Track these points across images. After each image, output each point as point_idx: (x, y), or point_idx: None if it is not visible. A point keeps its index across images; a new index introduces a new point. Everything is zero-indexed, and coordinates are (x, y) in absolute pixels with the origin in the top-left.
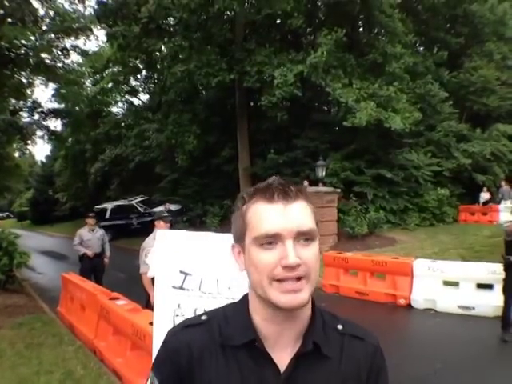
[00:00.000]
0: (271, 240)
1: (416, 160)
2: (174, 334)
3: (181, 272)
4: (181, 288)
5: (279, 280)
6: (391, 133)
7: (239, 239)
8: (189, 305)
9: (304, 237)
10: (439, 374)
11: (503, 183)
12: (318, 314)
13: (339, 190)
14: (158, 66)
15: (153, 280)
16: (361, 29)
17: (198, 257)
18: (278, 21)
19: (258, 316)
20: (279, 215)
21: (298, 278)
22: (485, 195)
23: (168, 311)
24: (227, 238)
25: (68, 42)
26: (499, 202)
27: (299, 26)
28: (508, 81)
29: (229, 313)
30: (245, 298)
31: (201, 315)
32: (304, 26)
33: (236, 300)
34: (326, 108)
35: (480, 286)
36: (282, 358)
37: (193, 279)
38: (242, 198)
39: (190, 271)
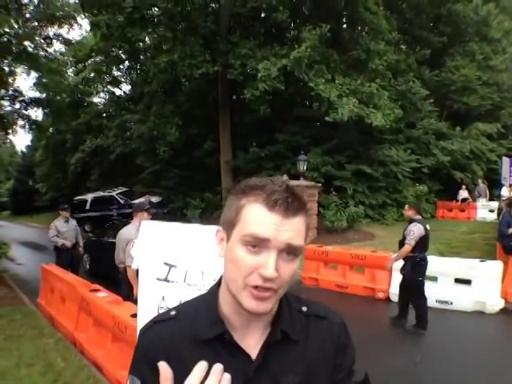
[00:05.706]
0: (257, 243)
1: (395, 156)
2: (144, 332)
3: (165, 264)
4: (165, 280)
5: (251, 286)
6: (372, 129)
7: (227, 227)
8: (174, 297)
9: (290, 251)
10: (419, 366)
11: (480, 181)
12: (283, 300)
13: (320, 185)
14: (141, 57)
15: (137, 272)
16: (345, 25)
17: (183, 248)
18: (263, 14)
19: (227, 308)
20: (274, 225)
21: (268, 289)
22: (463, 192)
23: (152, 303)
24: (212, 230)
25: (51, 31)
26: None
27: (284, 20)
28: (489, 81)
29: (198, 306)
30: (213, 289)
31: (170, 310)
32: (288, 20)
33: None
34: (307, 103)
35: (458, 280)
36: (252, 345)
37: (178, 271)
38: (243, 190)
39: (175, 263)
